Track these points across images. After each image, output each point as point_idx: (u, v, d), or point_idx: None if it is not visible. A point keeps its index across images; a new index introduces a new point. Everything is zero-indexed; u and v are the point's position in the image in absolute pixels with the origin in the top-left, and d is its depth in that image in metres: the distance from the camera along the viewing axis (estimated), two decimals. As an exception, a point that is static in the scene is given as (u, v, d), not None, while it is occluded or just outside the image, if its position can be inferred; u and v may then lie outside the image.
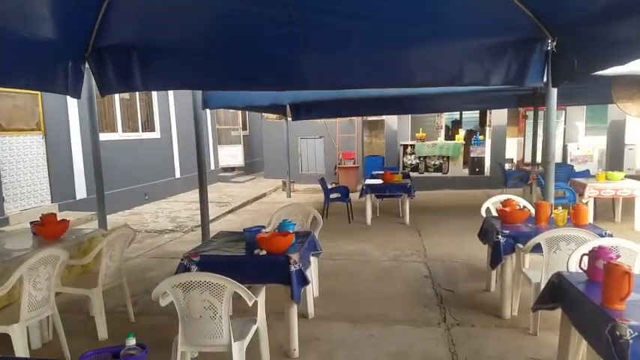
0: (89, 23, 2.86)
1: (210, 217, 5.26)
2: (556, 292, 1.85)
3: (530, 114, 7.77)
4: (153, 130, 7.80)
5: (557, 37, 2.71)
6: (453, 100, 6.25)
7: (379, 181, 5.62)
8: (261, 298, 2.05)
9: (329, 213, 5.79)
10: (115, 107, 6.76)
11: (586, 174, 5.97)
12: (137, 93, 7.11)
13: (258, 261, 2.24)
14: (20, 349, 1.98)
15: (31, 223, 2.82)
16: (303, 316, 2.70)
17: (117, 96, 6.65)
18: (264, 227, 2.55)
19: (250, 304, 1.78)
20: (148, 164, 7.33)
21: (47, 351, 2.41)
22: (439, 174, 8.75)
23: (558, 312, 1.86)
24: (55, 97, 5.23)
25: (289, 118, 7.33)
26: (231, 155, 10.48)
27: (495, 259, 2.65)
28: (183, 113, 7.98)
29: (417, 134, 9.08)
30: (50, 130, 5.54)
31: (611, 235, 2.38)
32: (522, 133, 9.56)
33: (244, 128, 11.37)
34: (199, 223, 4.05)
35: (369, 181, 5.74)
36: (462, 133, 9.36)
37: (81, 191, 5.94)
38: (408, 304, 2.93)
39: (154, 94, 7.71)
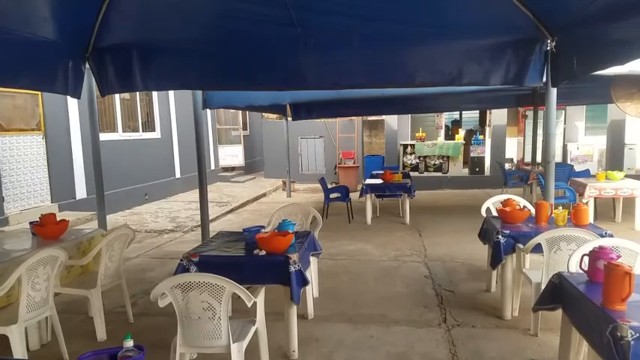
0: (89, 23, 2.86)
1: (210, 217, 5.26)
2: (556, 293, 1.84)
3: (530, 114, 7.77)
4: (153, 130, 7.80)
5: (557, 38, 2.71)
6: (453, 100, 6.25)
7: (379, 181, 5.62)
8: (260, 299, 2.04)
9: (329, 213, 5.79)
10: (116, 107, 6.75)
11: (586, 174, 5.96)
12: (137, 93, 7.10)
13: (257, 261, 2.23)
14: (18, 350, 1.97)
15: (30, 223, 2.81)
16: (302, 316, 2.69)
17: (117, 96, 6.65)
18: (263, 227, 2.54)
19: (249, 305, 1.78)
20: (148, 164, 7.33)
21: (46, 352, 2.41)
22: (439, 174, 8.74)
23: (559, 312, 1.85)
24: (55, 97, 5.23)
25: (289, 118, 7.33)
26: (232, 155, 10.47)
27: (496, 260, 2.64)
28: (184, 113, 7.98)
29: (416, 134, 9.07)
30: (50, 130, 5.54)
31: (611, 235, 2.37)
32: (522, 133, 9.55)
33: (245, 128, 11.37)
34: (199, 223, 4.05)
35: (369, 181, 5.73)
36: (461, 132, 9.35)
37: (81, 191, 5.94)
38: (409, 305, 2.93)
39: (155, 94, 7.71)
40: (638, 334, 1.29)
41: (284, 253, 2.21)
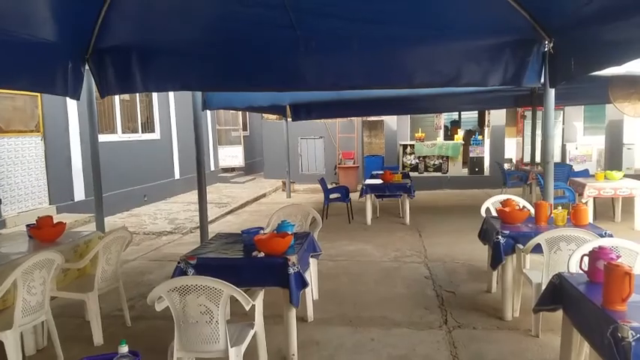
0: (89, 25, 2.86)
1: (210, 219, 5.24)
2: (557, 294, 1.83)
3: (529, 114, 7.77)
4: (153, 131, 7.78)
5: (554, 39, 2.72)
6: (452, 101, 6.26)
7: (379, 181, 5.61)
8: (258, 302, 2.02)
9: (329, 213, 5.77)
10: (115, 108, 6.74)
11: (585, 173, 5.96)
12: (137, 94, 7.09)
13: (256, 263, 2.22)
14: (13, 356, 1.94)
15: (27, 225, 2.79)
16: (302, 319, 2.67)
17: (117, 97, 6.63)
18: (262, 229, 2.53)
19: (247, 308, 1.76)
20: (147, 165, 7.31)
21: (42, 357, 2.38)
22: (439, 174, 8.75)
23: (560, 313, 1.84)
24: (54, 98, 5.21)
25: (289, 119, 7.32)
26: (232, 156, 10.46)
27: (496, 260, 2.63)
28: (184, 114, 7.96)
29: (416, 134, 9.08)
30: (49, 131, 5.52)
31: (611, 235, 2.36)
32: (521, 133, 9.56)
33: (244, 129, 11.36)
34: (198, 224, 4.03)
35: (368, 181, 5.72)
36: (460, 133, 9.36)
37: (79, 193, 5.91)
38: (409, 306, 2.91)
39: (155, 95, 7.70)
40: (639, 335, 1.28)
41: (283, 255, 2.19)
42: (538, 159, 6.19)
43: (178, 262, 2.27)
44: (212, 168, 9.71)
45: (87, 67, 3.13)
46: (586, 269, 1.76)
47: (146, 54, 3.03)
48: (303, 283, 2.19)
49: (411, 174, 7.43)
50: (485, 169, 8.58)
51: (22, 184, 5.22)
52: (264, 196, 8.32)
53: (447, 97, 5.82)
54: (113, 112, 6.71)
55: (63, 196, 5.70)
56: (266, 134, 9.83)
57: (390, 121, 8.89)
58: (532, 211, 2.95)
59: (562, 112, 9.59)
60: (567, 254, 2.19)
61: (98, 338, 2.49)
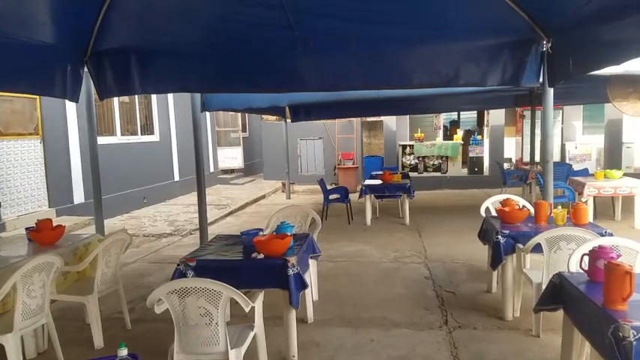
0: (88, 27, 2.86)
1: (209, 220, 5.24)
2: (557, 293, 1.83)
3: (528, 114, 7.78)
4: (152, 133, 7.78)
5: (552, 39, 2.73)
6: (451, 101, 6.26)
7: (378, 182, 5.61)
8: (258, 304, 2.02)
9: (329, 214, 5.77)
10: (114, 110, 6.74)
11: (585, 173, 5.96)
12: (136, 96, 7.09)
13: (255, 265, 2.21)
14: (14, 359, 1.94)
15: (26, 229, 2.79)
16: (302, 320, 2.67)
17: (116, 99, 6.63)
18: (261, 230, 2.52)
19: (247, 310, 1.75)
20: (146, 167, 7.30)
21: (42, 360, 2.38)
22: (438, 174, 8.75)
23: (561, 313, 1.83)
24: (53, 101, 5.21)
25: (288, 120, 7.32)
26: (231, 157, 10.46)
27: (496, 260, 2.63)
28: (183, 116, 7.96)
29: (415, 134, 9.08)
30: (48, 134, 5.51)
31: (611, 234, 2.36)
32: (520, 133, 9.57)
33: (244, 130, 11.36)
34: (198, 226, 4.02)
35: (368, 182, 5.72)
36: (460, 133, 9.36)
37: (79, 196, 5.91)
38: (409, 307, 2.91)
39: (154, 97, 7.70)
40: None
41: (282, 257, 2.19)
42: (537, 158, 6.19)
43: (178, 265, 2.26)
44: (211, 169, 9.70)
45: (86, 69, 3.13)
46: (586, 268, 1.76)
47: (144, 56, 3.04)
48: (302, 285, 2.19)
49: (411, 174, 7.43)
50: (484, 169, 8.58)
51: (22, 187, 5.21)
52: (263, 197, 8.31)
53: (446, 97, 5.84)
54: (112, 115, 6.71)
55: (62, 199, 5.69)
56: (265, 135, 9.83)
57: (389, 121, 8.90)
58: (532, 210, 2.95)
59: (561, 111, 9.61)
60: (567, 253, 2.19)
61: (98, 341, 2.48)
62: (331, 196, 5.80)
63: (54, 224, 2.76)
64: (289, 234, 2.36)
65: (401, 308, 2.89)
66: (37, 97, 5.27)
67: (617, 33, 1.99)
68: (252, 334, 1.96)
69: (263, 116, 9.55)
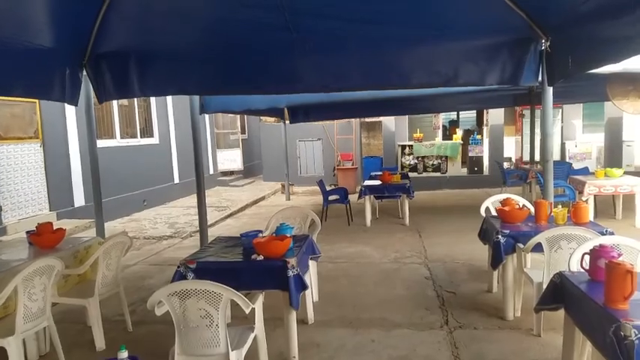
0: (86, 31, 2.87)
1: (209, 222, 5.24)
2: (558, 293, 1.83)
3: (527, 113, 7.77)
4: (151, 135, 7.79)
5: (551, 37, 2.73)
6: (450, 101, 6.26)
7: (378, 182, 5.60)
8: (258, 305, 2.02)
9: (328, 215, 5.77)
10: (114, 113, 6.75)
11: (585, 171, 5.95)
12: (135, 99, 7.11)
13: (255, 267, 2.21)
14: (16, 362, 1.94)
15: (27, 232, 2.79)
16: (302, 321, 2.67)
17: (115, 102, 6.65)
18: (261, 232, 2.52)
19: (247, 311, 1.76)
20: (146, 170, 7.31)
21: (44, 363, 2.38)
22: (438, 174, 8.74)
23: (562, 312, 1.83)
24: (53, 104, 5.22)
25: (287, 121, 7.33)
26: (230, 159, 10.47)
27: (496, 260, 2.63)
28: (182, 118, 7.98)
29: (414, 135, 9.08)
30: (48, 138, 5.52)
31: (612, 233, 2.36)
32: (520, 132, 9.56)
33: (243, 132, 11.38)
34: (198, 228, 4.02)
35: (367, 183, 5.72)
36: (459, 132, 9.36)
37: (79, 199, 5.91)
38: (410, 307, 2.91)
39: (153, 99, 7.72)
40: (641, 334, 1.28)
41: (282, 258, 2.19)
42: (537, 157, 6.19)
43: (178, 267, 2.26)
44: (211, 172, 9.71)
45: (84, 72, 3.13)
46: (587, 268, 1.75)
47: (143, 58, 3.04)
48: (302, 286, 2.19)
49: (410, 174, 7.42)
50: (484, 169, 8.58)
51: (22, 190, 5.22)
52: (263, 198, 8.31)
53: (445, 96, 5.83)
54: (112, 118, 6.72)
55: (63, 203, 5.69)
56: (264, 137, 9.83)
57: (388, 121, 8.90)
58: (532, 209, 2.94)
59: (561, 110, 9.60)
60: (568, 253, 2.18)
61: (100, 343, 2.48)
62: (331, 197, 5.79)
63: (54, 227, 2.76)
64: (289, 235, 2.36)
65: (401, 309, 2.89)
66: (37, 101, 5.29)
67: (616, 30, 1.99)
68: (252, 336, 1.96)
69: (262, 118, 9.55)
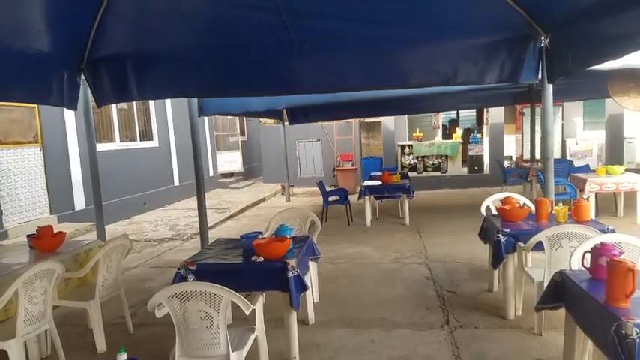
0: (84, 35, 2.87)
1: (210, 224, 5.24)
2: (559, 291, 1.82)
3: (527, 111, 7.77)
4: (151, 138, 7.81)
5: (551, 34, 2.72)
6: (450, 100, 6.25)
7: (378, 183, 5.60)
8: (259, 306, 2.02)
9: (328, 216, 5.77)
10: (113, 117, 6.77)
11: (586, 169, 5.94)
12: (134, 102, 7.12)
13: (255, 268, 2.21)
14: (16, 365, 1.95)
15: (27, 236, 2.80)
16: (303, 322, 2.66)
17: (114, 106, 6.66)
18: (261, 233, 2.52)
19: (247, 312, 1.75)
20: (146, 173, 7.32)
21: (45, 366, 2.38)
22: (438, 173, 8.73)
23: (563, 310, 1.82)
24: (52, 109, 5.24)
25: (286, 123, 7.33)
26: (230, 161, 10.47)
27: (497, 259, 2.62)
28: (181, 121, 7.99)
29: (414, 134, 9.07)
30: (48, 142, 5.54)
31: (613, 231, 2.35)
32: (520, 130, 9.55)
33: (242, 134, 11.39)
34: (198, 230, 4.02)
35: (367, 183, 5.71)
36: (459, 132, 9.35)
37: (80, 202, 5.93)
38: (410, 307, 2.90)
39: (152, 102, 7.73)
40: (642, 332, 1.27)
41: (282, 259, 2.19)
42: (538, 156, 6.18)
43: (178, 269, 2.27)
44: (211, 174, 9.72)
45: (82, 76, 3.14)
46: (588, 266, 1.75)
47: (141, 61, 3.04)
48: (302, 287, 2.19)
49: (410, 174, 7.41)
50: (484, 168, 8.56)
51: (23, 195, 5.23)
52: (263, 200, 8.31)
53: (444, 96, 5.82)
54: (111, 121, 6.74)
55: (63, 206, 5.71)
56: (263, 139, 9.84)
57: (388, 122, 8.90)
58: (533, 208, 2.93)
59: (561, 107, 9.59)
60: (569, 251, 2.17)
61: (101, 345, 2.49)
62: (331, 198, 5.79)
63: (55, 231, 2.76)
64: (289, 236, 2.36)
65: (402, 308, 2.88)
66: (36, 105, 5.30)
67: (617, 27, 1.98)
68: (253, 337, 1.96)
69: (261, 120, 9.56)
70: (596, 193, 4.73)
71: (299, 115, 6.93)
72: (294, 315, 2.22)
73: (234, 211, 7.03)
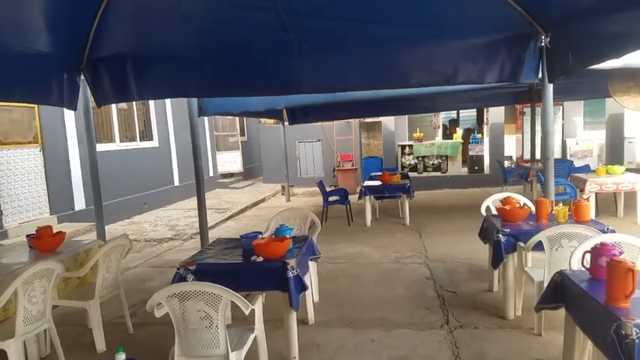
0: (83, 35, 2.87)
1: (210, 224, 5.24)
2: (559, 291, 1.82)
3: (528, 110, 7.76)
4: (151, 139, 7.81)
5: (551, 33, 2.71)
6: (450, 100, 6.25)
7: (378, 183, 5.60)
8: (258, 306, 2.02)
9: (328, 216, 5.76)
10: (113, 117, 6.77)
11: (586, 169, 5.93)
12: (134, 102, 7.12)
13: (255, 268, 2.21)
14: (16, 365, 1.95)
15: (27, 236, 2.80)
16: (303, 322, 2.66)
17: (114, 106, 6.66)
18: (260, 233, 2.52)
19: (247, 312, 1.75)
20: (146, 173, 7.33)
21: (45, 366, 2.38)
22: (438, 173, 8.72)
23: (563, 311, 1.82)
24: (51, 109, 5.24)
25: (286, 123, 7.33)
26: (230, 161, 10.47)
27: (497, 259, 2.62)
28: (181, 121, 7.99)
29: (414, 134, 9.07)
30: (47, 142, 5.54)
31: (613, 231, 2.34)
32: (520, 130, 9.54)
33: (242, 134, 11.39)
34: (198, 230, 4.02)
35: (367, 183, 5.71)
36: (459, 131, 9.35)
37: (80, 202, 5.93)
38: (410, 307, 2.90)
39: (152, 103, 7.73)
40: (642, 332, 1.27)
41: (281, 259, 2.19)
42: (538, 156, 6.17)
43: (178, 269, 2.27)
44: (211, 174, 9.72)
45: (82, 77, 3.14)
46: (588, 266, 1.74)
47: (141, 62, 3.04)
48: (302, 287, 2.18)
49: (410, 174, 7.41)
50: (485, 168, 8.55)
51: (23, 195, 5.24)
52: (263, 200, 8.31)
53: (444, 95, 5.82)
54: (111, 122, 6.74)
55: (63, 206, 5.71)
56: (263, 139, 9.84)
57: (388, 122, 8.89)
58: (533, 208, 2.93)
59: (561, 107, 9.58)
60: (569, 251, 2.17)
61: (100, 345, 2.49)
62: (331, 198, 5.79)
63: (55, 231, 2.76)
64: (288, 236, 2.36)
65: (401, 308, 2.88)
66: (35, 106, 5.31)
67: (617, 26, 1.98)
68: (252, 337, 1.96)
69: (261, 120, 9.56)
70: (596, 193, 4.72)
71: (299, 115, 6.93)
72: (293, 315, 2.22)
73: (234, 211, 7.03)
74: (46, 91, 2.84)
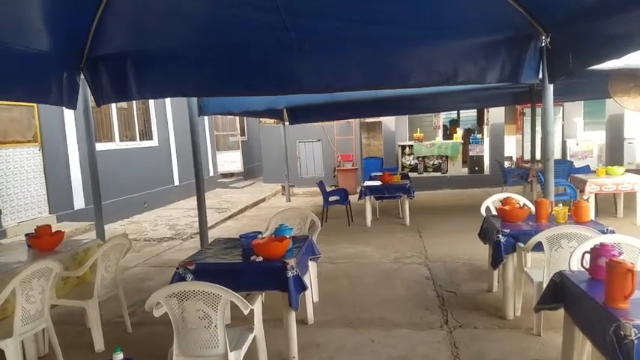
0: (83, 34, 2.87)
1: (210, 224, 5.24)
2: (558, 292, 1.81)
3: (528, 111, 7.75)
4: (150, 138, 7.80)
5: (551, 34, 2.71)
6: (450, 100, 6.25)
7: (378, 183, 5.60)
8: (257, 306, 2.02)
9: (329, 216, 5.76)
10: (112, 116, 6.77)
11: (586, 170, 5.93)
12: (134, 102, 7.12)
13: (254, 268, 2.21)
14: (14, 364, 1.94)
15: (26, 235, 2.79)
16: (302, 322, 2.66)
17: (114, 105, 6.66)
18: (260, 233, 2.52)
19: (246, 312, 1.75)
20: (146, 172, 7.32)
21: (43, 365, 2.38)
22: (438, 174, 8.72)
23: (562, 311, 1.82)
24: (51, 108, 5.23)
25: (286, 122, 7.33)
26: (230, 161, 10.47)
27: (496, 259, 2.62)
28: (181, 120, 7.98)
29: (414, 134, 9.07)
30: (47, 141, 5.54)
31: (613, 232, 2.34)
32: (520, 131, 9.54)
33: (242, 134, 11.39)
34: (198, 230, 4.02)
35: (367, 183, 5.71)
36: (459, 132, 9.35)
37: (79, 201, 5.92)
38: (410, 307, 2.90)
39: (151, 102, 7.73)
40: (641, 333, 1.26)
41: (281, 259, 2.19)
42: (538, 156, 6.17)
43: (177, 268, 2.26)
44: (211, 174, 9.71)
45: (82, 76, 3.14)
46: (588, 267, 1.74)
47: (141, 61, 3.04)
48: (302, 287, 2.18)
49: (411, 174, 7.40)
50: (485, 168, 8.56)
51: (22, 194, 5.23)
52: (263, 200, 8.31)
53: (445, 96, 5.82)
54: (110, 121, 6.73)
55: (63, 205, 5.70)
56: (264, 139, 9.84)
57: (388, 122, 8.89)
58: (532, 209, 2.93)
59: (561, 108, 9.58)
60: (569, 252, 2.17)
61: (99, 345, 2.48)
62: (331, 198, 5.79)
63: (54, 230, 2.76)
64: (288, 236, 2.35)
65: (401, 308, 2.88)
66: (35, 104, 5.30)
67: (618, 26, 1.98)
68: (251, 336, 1.96)
69: (261, 119, 9.56)
70: (596, 194, 4.72)
71: (299, 114, 6.93)
72: (293, 315, 2.21)
73: (234, 210, 7.03)
74: (46, 90, 2.84)
